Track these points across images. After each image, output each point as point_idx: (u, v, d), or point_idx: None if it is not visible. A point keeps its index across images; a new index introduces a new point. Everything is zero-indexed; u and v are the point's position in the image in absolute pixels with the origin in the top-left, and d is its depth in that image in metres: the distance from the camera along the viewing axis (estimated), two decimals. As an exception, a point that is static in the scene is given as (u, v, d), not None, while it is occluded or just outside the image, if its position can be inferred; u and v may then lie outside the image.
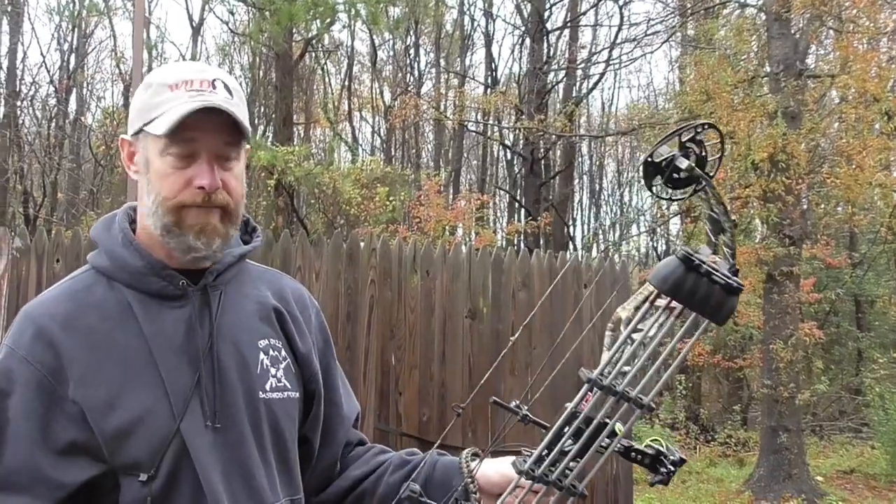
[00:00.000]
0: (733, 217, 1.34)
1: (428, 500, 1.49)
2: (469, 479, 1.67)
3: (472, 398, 1.69)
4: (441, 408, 5.49)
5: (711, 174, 1.31)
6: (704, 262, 1.24)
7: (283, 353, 1.78)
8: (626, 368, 1.31)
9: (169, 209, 1.65)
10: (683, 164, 1.29)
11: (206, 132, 1.64)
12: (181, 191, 1.64)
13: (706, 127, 1.31)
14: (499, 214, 25.85)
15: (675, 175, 1.30)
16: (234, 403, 1.66)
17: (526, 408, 1.50)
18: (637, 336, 1.32)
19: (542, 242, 19.35)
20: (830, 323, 18.86)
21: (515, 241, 20.27)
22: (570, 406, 1.32)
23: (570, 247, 21.72)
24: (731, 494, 12.45)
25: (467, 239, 18.75)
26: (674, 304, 1.29)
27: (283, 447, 1.75)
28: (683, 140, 1.30)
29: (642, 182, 1.34)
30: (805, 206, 13.93)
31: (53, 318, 1.62)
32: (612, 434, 1.31)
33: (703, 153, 1.31)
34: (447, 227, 16.27)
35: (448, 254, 5.81)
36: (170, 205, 1.65)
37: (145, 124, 1.66)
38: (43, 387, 1.57)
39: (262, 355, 1.74)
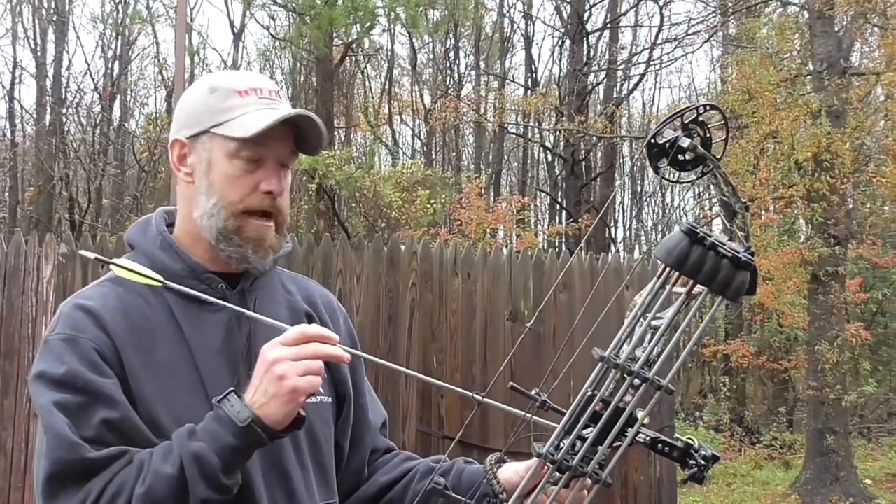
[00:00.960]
0: (744, 199, 1.31)
1: (453, 494, 1.48)
2: (493, 478, 1.67)
3: (488, 395, 1.68)
4: (483, 410, 5.47)
5: (719, 157, 1.29)
6: (710, 235, 1.21)
7: None
8: (640, 351, 1.28)
9: (233, 213, 1.67)
10: (685, 143, 1.27)
11: (277, 139, 1.67)
12: (248, 195, 1.67)
13: (707, 108, 1.30)
14: (540, 216, 25.78)
15: (681, 157, 1.29)
16: None
17: (546, 395, 1.48)
18: (649, 316, 1.29)
19: (582, 244, 19.26)
20: (878, 323, 18.58)
21: (556, 244, 20.20)
22: (586, 387, 1.30)
23: (612, 248, 21.60)
24: (777, 497, 12.32)
25: (508, 241, 18.72)
26: (685, 282, 1.26)
27: (318, 451, 1.77)
28: (686, 121, 1.29)
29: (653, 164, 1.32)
30: (850, 206, 13.75)
31: (105, 309, 1.62)
32: (634, 420, 1.28)
33: (708, 135, 1.29)
34: (488, 230, 16.26)
35: (489, 256, 5.81)
36: (235, 209, 1.67)
37: (214, 126, 1.68)
38: (112, 365, 1.58)
39: None
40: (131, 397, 1.57)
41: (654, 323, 1.29)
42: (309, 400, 1.74)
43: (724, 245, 1.21)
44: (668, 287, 1.28)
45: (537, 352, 5.61)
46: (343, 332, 1.91)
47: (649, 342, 1.28)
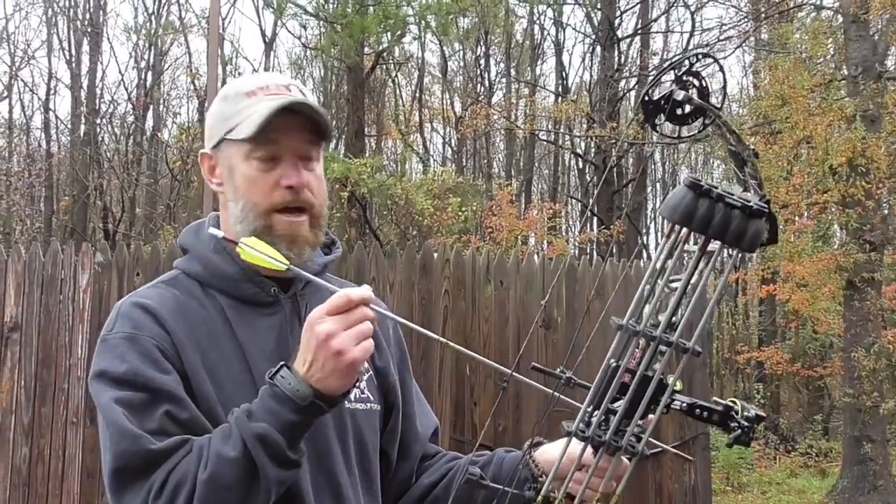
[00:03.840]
0: (750, 146, 1.27)
1: (490, 483, 1.47)
2: (531, 461, 1.67)
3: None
4: (517, 417, 5.46)
5: (718, 107, 1.25)
6: (716, 187, 1.15)
7: (366, 364, 1.77)
8: (662, 315, 1.23)
9: (259, 214, 1.67)
10: (680, 95, 1.24)
11: (288, 133, 1.66)
12: (270, 193, 1.66)
13: (700, 57, 1.27)
14: (571, 223, 25.71)
15: (679, 111, 1.25)
16: None
17: (570, 372, 1.45)
18: (664, 279, 1.23)
19: (614, 251, 19.19)
20: (915, 330, 18.36)
21: (588, 250, 20.14)
22: (608, 357, 1.25)
23: (644, 255, 21.51)
24: (813, 506, 12.21)
25: (540, 248, 18.69)
26: (698, 238, 1.20)
27: (365, 458, 1.77)
28: (680, 74, 1.25)
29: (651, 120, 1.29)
30: (886, 211, 13.62)
31: (163, 307, 1.64)
32: (665, 388, 1.23)
33: (704, 85, 1.25)
34: (520, 237, 16.24)
35: (521, 263, 5.79)
36: (260, 209, 1.67)
37: (227, 133, 1.69)
38: (172, 362, 1.59)
39: None
40: (192, 393, 1.58)
41: (672, 285, 1.24)
42: (359, 406, 1.75)
43: (733, 195, 1.15)
44: (679, 247, 1.22)
45: (571, 359, 5.59)
46: (392, 340, 1.94)
47: (669, 305, 1.23)
